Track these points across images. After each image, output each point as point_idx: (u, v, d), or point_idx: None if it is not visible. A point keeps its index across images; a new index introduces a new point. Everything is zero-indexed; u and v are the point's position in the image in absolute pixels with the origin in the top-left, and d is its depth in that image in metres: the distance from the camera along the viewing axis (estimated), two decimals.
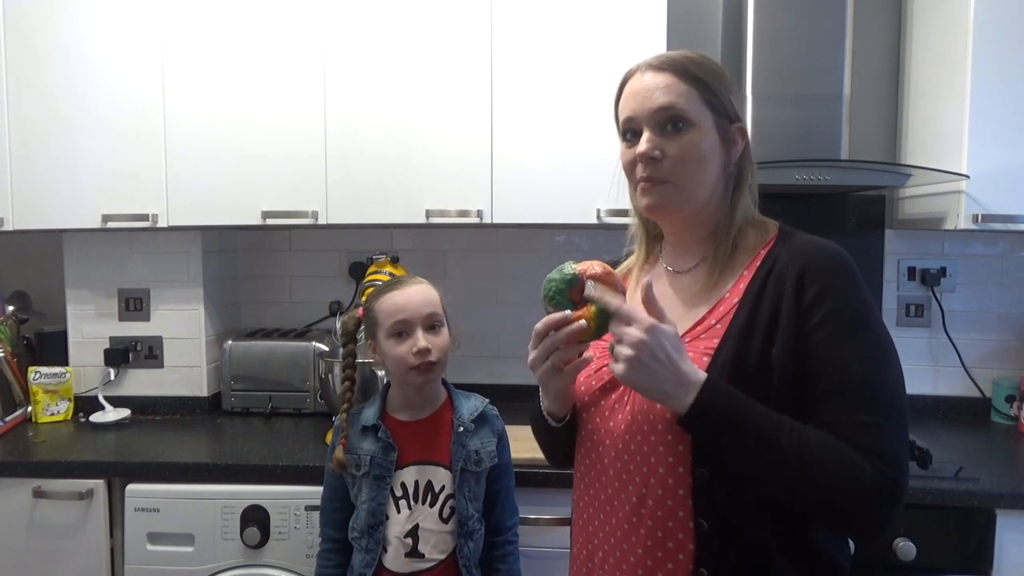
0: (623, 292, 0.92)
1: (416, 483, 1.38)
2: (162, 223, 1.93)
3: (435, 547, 1.37)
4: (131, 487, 1.71)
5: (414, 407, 1.42)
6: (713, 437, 0.87)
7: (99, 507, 1.74)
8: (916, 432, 1.91)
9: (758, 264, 0.94)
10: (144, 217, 1.92)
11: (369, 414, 1.42)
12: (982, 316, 2.16)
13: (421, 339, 1.33)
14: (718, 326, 0.93)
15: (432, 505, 1.38)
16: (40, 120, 1.94)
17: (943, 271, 2.15)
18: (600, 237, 2.26)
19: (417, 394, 1.41)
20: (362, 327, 1.43)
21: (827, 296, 0.88)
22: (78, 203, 1.94)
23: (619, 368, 0.85)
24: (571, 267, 0.95)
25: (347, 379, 1.42)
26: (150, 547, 1.69)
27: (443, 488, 1.38)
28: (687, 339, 0.94)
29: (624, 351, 0.84)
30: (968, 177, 1.76)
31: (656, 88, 0.94)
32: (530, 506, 1.65)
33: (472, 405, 1.46)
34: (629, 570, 0.93)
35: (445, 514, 1.38)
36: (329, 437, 1.61)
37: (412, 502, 1.38)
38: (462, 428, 1.41)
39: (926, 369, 2.19)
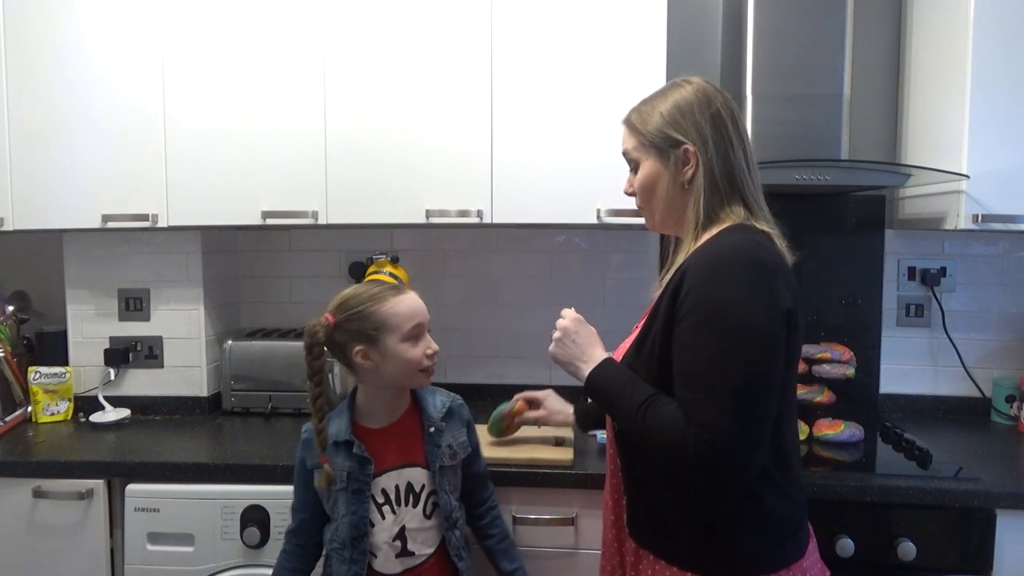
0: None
1: (396, 487, 1.39)
2: (162, 223, 1.93)
3: (423, 543, 1.40)
4: (131, 487, 1.71)
5: (387, 413, 1.42)
6: (598, 403, 1.23)
7: (99, 507, 1.74)
8: (916, 432, 1.92)
9: (681, 261, 1.13)
10: (144, 217, 1.92)
11: (339, 428, 1.39)
12: (982, 316, 2.16)
13: (432, 342, 1.41)
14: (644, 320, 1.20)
15: (415, 505, 1.40)
16: (40, 120, 1.94)
17: (943, 271, 2.15)
18: (600, 237, 2.26)
19: (394, 399, 1.42)
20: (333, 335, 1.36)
21: (692, 293, 1.05)
22: (78, 203, 1.94)
23: (551, 346, 1.27)
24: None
25: (319, 394, 1.35)
26: (150, 547, 1.69)
27: (423, 487, 1.41)
28: (638, 326, 1.23)
29: (555, 333, 1.27)
30: (968, 177, 1.76)
31: (623, 139, 1.25)
32: (530, 506, 1.65)
33: (439, 402, 1.48)
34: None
35: (428, 511, 1.41)
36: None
37: (396, 506, 1.39)
38: (433, 428, 1.43)
39: (926, 369, 2.19)
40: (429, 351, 1.39)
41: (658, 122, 1.17)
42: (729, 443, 0.99)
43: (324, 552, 1.44)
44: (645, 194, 1.21)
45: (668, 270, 1.17)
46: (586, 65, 1.83)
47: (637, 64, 1.82)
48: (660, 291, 1.15)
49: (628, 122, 1.23)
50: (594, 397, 1.22)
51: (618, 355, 1.25)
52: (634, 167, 1.23)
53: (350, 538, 1.37)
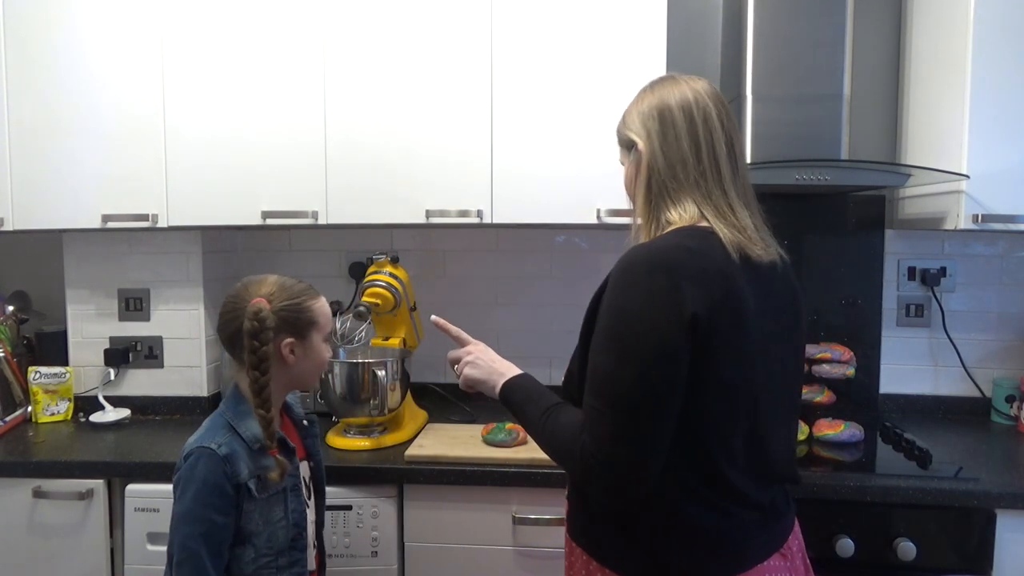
0: None
1: (304, 480, 1.43)
2: (162, 223, 1.93)
3: (313, 535, 1.45)
4: (131, 487, 1.71)
5: (278, 412, 1.38)
6: (511, 412, 1.22)
7: (99, 507, 1.74)
8: (916, 432, 1.92)
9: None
10: (144, 217, 1.92)
11: (255, 431, 1.30)
12: (982, 316, 2.16)
13: (329, 348, 1.44)
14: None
15: (310, 497, 1.46)
16: (40, 120, 1.94)
17: (943, 271, 2.15)
18: (600, 237, 2.26)
19: (282, 399, 1.41)
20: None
21: (604, 299, 1.05)
22: (78, 203, 1.94)
23: (465, 369, 1.29)
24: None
25: (267, 383, 1.27)
26: (150, 547, 1.69)
27: (310, 478, 1.47)
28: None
29: (460, 366, 1.30)
30: (968, 177, 1.76)
31: None
32: (530, 506, 1.66)
33: (294, 399, 1.52)
34: None
35: (317, 502, 1.49)
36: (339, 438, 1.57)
37: (308, 499, 1.43)
38: (307, 422, 1.50)
39: (926, 369, 2.19)
40: (330, 355, 1.43)
41: (622, 124, 1.18)
42: (613, 454, 0.98)
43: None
44: (629, 197, 1.21)
45: None
46: (586, 66, 1.83)
47: (638, 62, 1.82)
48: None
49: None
50: (508, 405, 1.22)
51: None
52: None
53: (289, 540, 1.32)
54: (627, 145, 1.17)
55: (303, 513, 1.36)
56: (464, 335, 1.37)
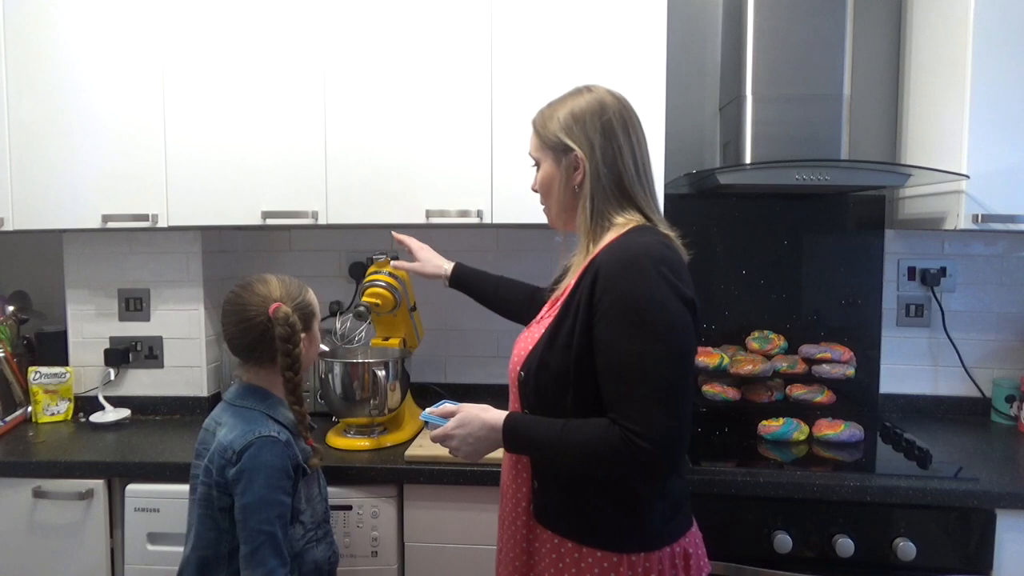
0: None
1: None
2: (162, 223, 1.93)
3: None
4: (131, 487, 1.71)
5: None
6: (521, 451, 1.24)
7: (99, 507, 1.74)
8: (916, 432, 1.92)
9: (588, 262, 1.18)
10: (144, 217, 1.92)
11: (292, 418, 1.41)
12: (982, 316, 2.16)
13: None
14: (551, 312, 1.25)
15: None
16: (41, 120, 1.94)
17: (943, 271, 2.15)
18: None
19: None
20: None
21: (607, 293, 1.10)
22: (78, 203, 1.94)
23: (458, 456, 1.28)
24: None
25: (300, 381, 1.38)
26: (150, 547, 1.69)
27: None
28: (543, 316, 1.29)
29: (451, 443, 1.27)
30: (968, 177, 1.76)
31: (530, 138, 1.31)
32: None
33: None
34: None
35: None
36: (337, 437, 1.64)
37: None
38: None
39: (926, 369, 2.19)
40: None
41: (554, 127, 1.24)
42: (666, 437, 1.06)
43: (293, 553, 1.36)
44: (543, 193, 1.30)
45: (568, 267, 1.26)
46: (586, 65, 1.83)
47: (638, 62, 1.82)
48: (573, 283, 1.19)
49: (533, 123, 1.29)
50: (514, 450, 1.23)
51: (525, 345, 1.25)
52: (536, 166, 1.30)
53: (323, 512, 1.45)
54: (559, 149, 1.23)
55: (326, 488, 1.50)
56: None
